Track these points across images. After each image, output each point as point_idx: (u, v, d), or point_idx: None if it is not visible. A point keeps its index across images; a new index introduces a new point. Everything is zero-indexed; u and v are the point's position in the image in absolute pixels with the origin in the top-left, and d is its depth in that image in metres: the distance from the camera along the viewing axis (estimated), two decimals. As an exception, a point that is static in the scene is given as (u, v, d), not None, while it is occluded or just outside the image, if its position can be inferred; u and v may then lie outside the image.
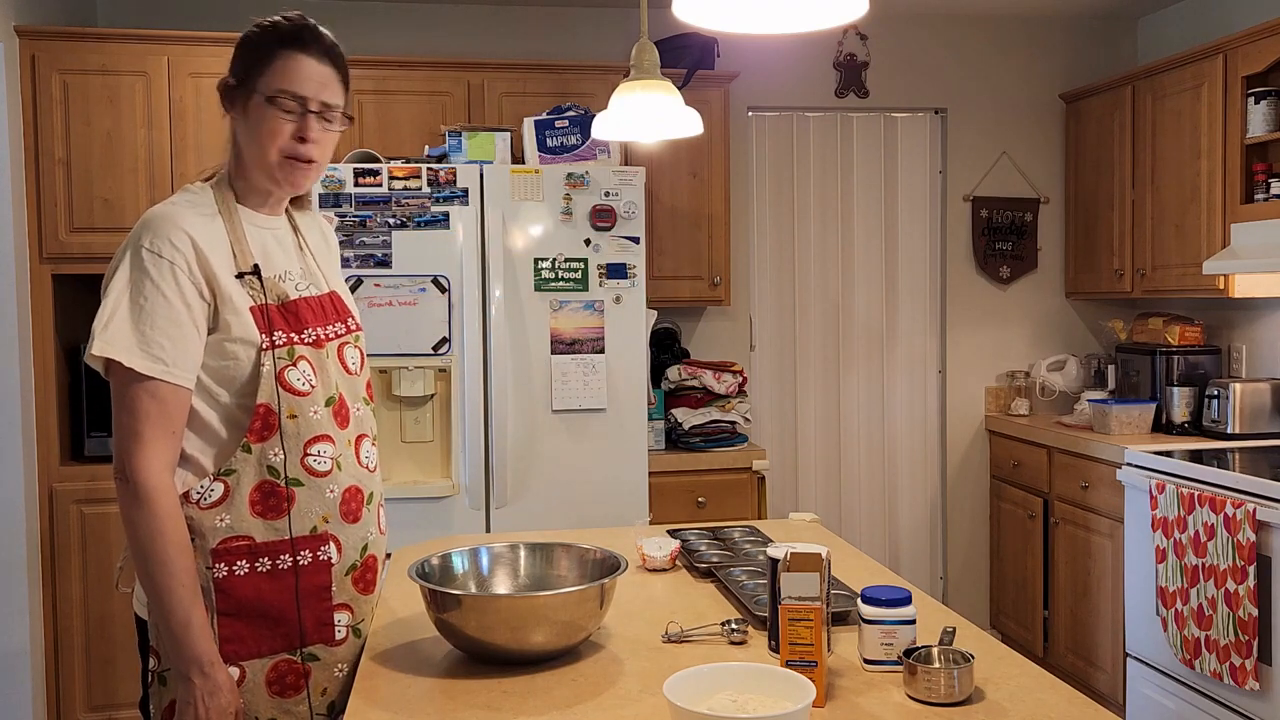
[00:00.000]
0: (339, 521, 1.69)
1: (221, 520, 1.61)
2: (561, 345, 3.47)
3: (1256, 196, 3.63)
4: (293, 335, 1.65)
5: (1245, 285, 3.74)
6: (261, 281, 1.65)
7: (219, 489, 1.61)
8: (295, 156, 1.67)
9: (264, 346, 1.61)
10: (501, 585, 1.79)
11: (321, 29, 1.70)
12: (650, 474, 3.59)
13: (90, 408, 3.63)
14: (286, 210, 1.81)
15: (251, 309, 1.62)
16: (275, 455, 1.62)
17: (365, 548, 1.74)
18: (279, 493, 1.63)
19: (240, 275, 1.63)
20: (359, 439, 1.75)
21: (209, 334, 1.60)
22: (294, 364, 1.64)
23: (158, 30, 3.69)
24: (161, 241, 1.57)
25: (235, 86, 1.68)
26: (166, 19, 4.10)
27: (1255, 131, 3.62)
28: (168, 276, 1.56)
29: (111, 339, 1.53)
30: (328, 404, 1.68)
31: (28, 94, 3.53)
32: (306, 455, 1.65)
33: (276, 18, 1.69)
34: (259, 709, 1.63)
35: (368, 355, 1.84)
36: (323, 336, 1.70)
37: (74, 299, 3.76)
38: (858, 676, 1.52)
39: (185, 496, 1.60)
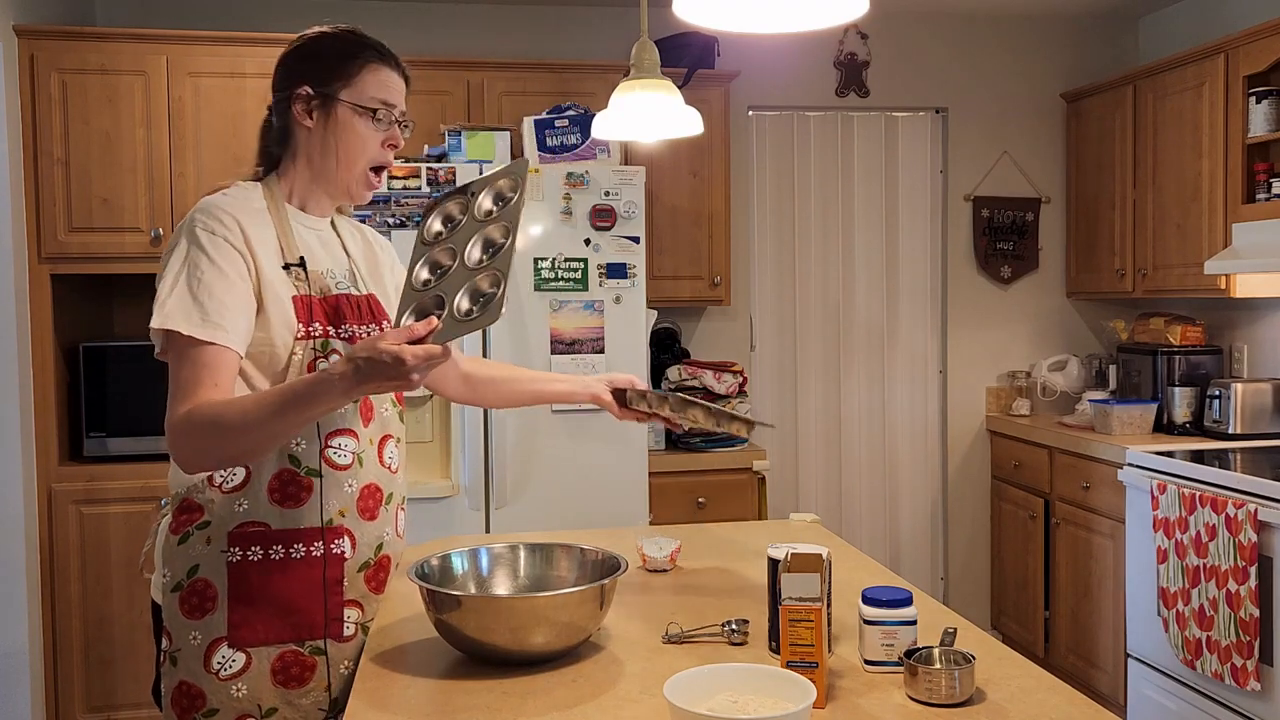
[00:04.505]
0: (355, 517, 1.72)
1: (240, 505, 1.64)
2: (561, 345, 3.46)
3: (1258, 196, 3.63)
4: (330, 329, 1.69)
5: (1247, 285, 3.74)
6: (306, 274, 1.69)
7: (240, 473, 1.64)
8: (382, 165, 1.77)
9: (300, 336, 1.65)
10: (501, 586, 1.78)
11: None
12: (650, 474, 3.59)
13: (89, 408, 3.63)
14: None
15: (294, 298, 1.66)
16: (297, 445, 1.66)
17: (380, 547, 1.77)
18: (299, 481, 1.66)
19: (286, 266, 1.67)
20: (384, 439, 1.78)
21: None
22: (325, 356, 1.67)
23: (156, 30, 3.69)
24: (214, 221, 1.62)
25: (313, 95, 1.70)
26: (165, 18, 4.09)
27: (1256, 131, 3.61)
28: (223, 248, 1.60)
29: (170, 312, 1.56)
30: (355, 401, 1.71)
31: (26, 93, 3.53)
32: (327, 447, 1.68)
33: (342, 28, 1.77)
34: (263, 698, 1.65)
35: None
36: (358, 335, 1.74)
37: (73, 299, 3.75)
38: (858, 677, 1.52)
39: (209, 480, 1.63)
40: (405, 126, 1.79)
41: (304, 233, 1.74)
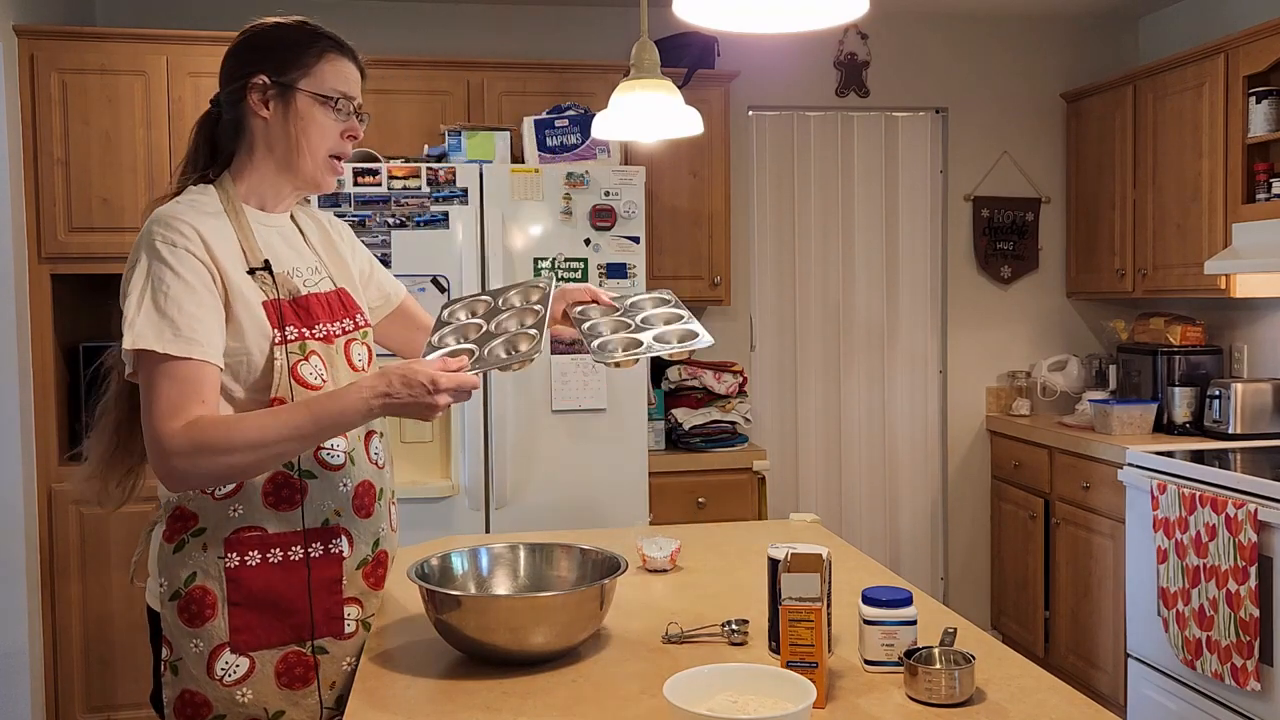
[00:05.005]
0: (351, 515, 1.71)
1: (235, 511, 1.62)
2: (561, 345, 3.46)
3: (1258, 196, 3.62)
4: (304, 330, 1.66)
5: (1247, 285, 3.74)
6: (273, 277, 1.66)
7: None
8: (341, 155, 1.74)
9: (276, 341, 1.62)
10: (501, 586, 1.79)
11: None
12: (650, 474, 3.59)
13: (89, 408, 3.62)
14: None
15: (264, 304, 1.63)
16: None
17: (377, 543, 1.77)
18: (292, 484, 1.65)
19: (252, 271, 1.64)
20: (368, 435, 1.77)
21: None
22: (306, 358, 1.65)
23: (156, 30, 3.68)
24: (173, 233, 1.58)
25: (270, 85, 1.67)
26: (165, 18, 4.09)
27: (1256, 131, 3.61)
28: (186, 261, 1.56)
29: (141, 331, 1.52)
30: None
31: (26, 93, 3.52)
32: (320, 449, 1.67)
33: (295, 19, 1.73)
34: (268, 700, 1.64)
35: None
36: (332, 332, 1.72)
37: (73, 299, 3.75)
38: (858, 677, 1.52)
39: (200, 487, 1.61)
40: (362, 119, 1.76)
41: (265, 232, 1.70)
